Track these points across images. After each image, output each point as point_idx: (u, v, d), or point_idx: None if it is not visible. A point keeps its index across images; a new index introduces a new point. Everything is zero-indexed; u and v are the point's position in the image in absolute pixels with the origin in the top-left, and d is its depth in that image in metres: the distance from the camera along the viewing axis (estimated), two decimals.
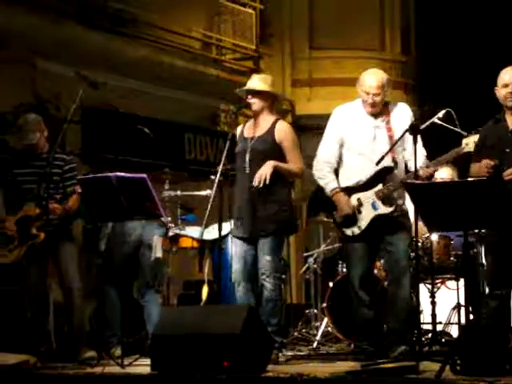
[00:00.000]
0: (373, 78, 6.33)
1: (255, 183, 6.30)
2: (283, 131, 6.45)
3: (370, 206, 6.32)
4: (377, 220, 6.31)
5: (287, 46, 13.08)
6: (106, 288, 7.20)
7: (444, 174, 7.29)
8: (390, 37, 13.34)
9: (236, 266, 6.46)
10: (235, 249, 6.49)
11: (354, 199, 6.36)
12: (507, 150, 5.69)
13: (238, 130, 6.63)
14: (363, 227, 6.33)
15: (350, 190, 6.38)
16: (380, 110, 6.38)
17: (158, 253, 7.20)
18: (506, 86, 5.76)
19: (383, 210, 6.30)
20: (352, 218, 6.34)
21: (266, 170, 6.28)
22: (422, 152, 6.24)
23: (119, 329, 6.95)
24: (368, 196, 6.33)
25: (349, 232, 6.38)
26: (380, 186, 6.31)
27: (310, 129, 11.67)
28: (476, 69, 11.29)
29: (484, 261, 6.06)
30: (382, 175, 6.31)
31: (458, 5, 12.48)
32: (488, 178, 5.58)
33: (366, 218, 6.32)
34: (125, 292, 7.35)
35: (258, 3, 12.34)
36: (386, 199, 6.31)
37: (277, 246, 6.41)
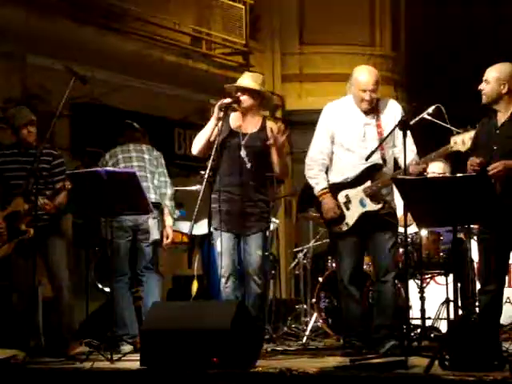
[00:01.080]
0: (369, 75, 6.32)
1: (246, 158, 6.37)
2: (275, 131, 6.48)
3: (357, 203, 6.33)
4: (365, 217, 6.32)
5: (277, 41, 13.06)
6: (114, 284, 7.12)
7: (436, 168, 7.30)
8: (380, 32, 13.34)
9: (225, 262, 6.46)
10: (223, 244, 6.48)
11: (342, 196, 6.37)
12: (495, 147, 5.71)
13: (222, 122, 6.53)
14: (351, 224, 6.34)
15: (338, 187, 6.39)
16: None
17: (155, 235, 7.20)
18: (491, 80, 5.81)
19: (371, 206, 6.31)
20: (340, 215, 6.35)
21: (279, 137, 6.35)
22: (412, 149, 6.25)
23: (132, 328, 6.94)
24: (356, 193, 6.34)
25: (337, 229, 6.40)
26: (368, 183, 6.32)
27: (300, 124, 11.66)
28: (465, 64, 11.31)
29: (476, 257, 6.06)
30: (370, 172, 6.32)
31: (448, 0, 12.50)
32: (474, 174, 5.60)
33: (353, 214, 6.33)
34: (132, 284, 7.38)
35: None
36: (374, 196, 6.32)
37: (266, 241, 6.51)
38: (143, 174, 7.15)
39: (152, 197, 7.15)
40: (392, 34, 13.45)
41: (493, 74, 5.81)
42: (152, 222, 7.20)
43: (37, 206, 6.41)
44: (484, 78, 5.86)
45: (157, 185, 7.33)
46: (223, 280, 6.47)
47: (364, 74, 6.34)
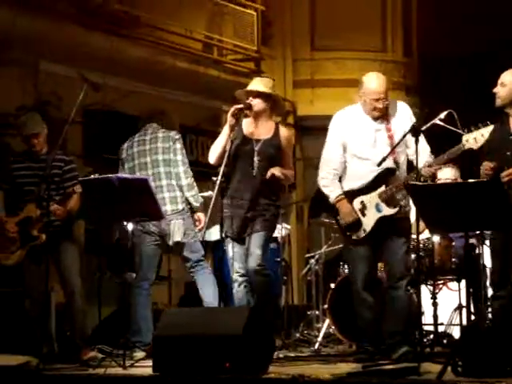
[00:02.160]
0: (380, 83, 6.30)
1: (268, 175, 6.39)
2: (288, 138, 6.60)
3: (373, 209, 6.32)
4: (381, 222, 6.31)
5: (289, 47, 13.07)
6: (133, 289, 7.12)
7: (448, 174, 7.29)
8: (391, 38, 13.32)
9: (237, 266, 6.48)
10: (235, 248, 6.51)
11: (357, 202, 6.36)
12: (508, 153, 5.70)
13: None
14: (368, 230, 6.32)
15: (353, 193, 6.38)
16: None
17: (177, 237, 7.11)
18: (503, 85, 5.80)
19: (387, 211, 6.30)
20: (357, 222, 6.34)
21: (277, 172, 6.39)
22: (426, 148, 6.24)
23: (146, 336, 6.87)
24: (371, 198, 6.32)
25: (354, 236, 6.38)
26: (383, 188, 6.31)
27: (311, 130, 11.68)
28: (477, 70, 11.29)
29: (488, 262, 6.05)
30: (384, 177, 6.31)
31: (460, 6, 12.48)
32: (487, 179, 5.59)
33: (370, 220, 6.32)
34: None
35: (259, 4, 12.33)
36: (389, 201, 6.30)
37: (266, 243, 6.52)
38: (158, 184, 7.12)
39: (168, 209, 7.11)
40: (404, 39, 13.43)
41: (509, 78, 5.80)
42: (178, 223, 7.11)
43: (49, 211, 6.43)
44: (500, 82, 5.85)
45: (172, 183, 7.29)
46: (235, 284, 6.49)
47: (374, 83, 6.32)
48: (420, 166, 5.99)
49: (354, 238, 6.38)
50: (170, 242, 7.14)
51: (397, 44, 13.33)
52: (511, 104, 5.82)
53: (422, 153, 6.05)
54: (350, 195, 6.38)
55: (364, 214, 6.34)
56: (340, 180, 6.45)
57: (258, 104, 6.49)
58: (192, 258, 7.21)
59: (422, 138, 6.15)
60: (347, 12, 12.72)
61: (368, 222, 6.32)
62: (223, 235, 6.47)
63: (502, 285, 5.71)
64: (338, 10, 12.78)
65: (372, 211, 6.32)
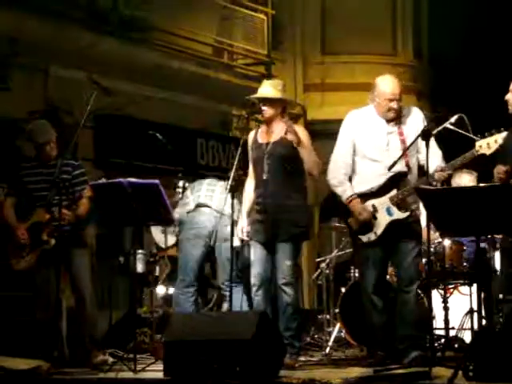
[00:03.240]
0: (394, 84, 6.31)
1: (266, 168, 6.36)
2: (303, 135, 6.45)
3: (384, 212, 6.30)
4: (392, 225, 6.29)
5: (299, 51, 13.08)
6: (179, 295, 7.12)
7: (466, 179, 7.27)
8: (402, 42, 13.32)
9: (257, 270, 6.47)
10: (255, 253, 6.50)
11: (368, 205, 6.34)
12: None
13: (251, 136, 6.63)
14: (379, 233, 6.30)
15: (363, 197, 6.36)
16: None
17: (236, 242, 6.85)
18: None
19: (398, 215, 6.28)
20: (368, 225, 6.33)
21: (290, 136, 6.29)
22: (438, 153, 6.22)
23: None
24: (382, 202, 6.31)
25: (365, 239, 6.36)
26: (394, 192, 6.29)
27: (322, 134, 11.62)
28: (489, 74, 11.26)
29: (498, 266, 6.02)
30: (395, 181, 6.29)
31: (470, 9, 12.45)
32: (500, 183, 5.56)
33: (381, 223, 6.30)
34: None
35: (269, 8, 12.33)
36: (400, 204, 6.29)
37: (296, 251, 6.45)
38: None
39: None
40: (414, 42, 13.42)
41: None
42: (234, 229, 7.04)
43: (59, 216, 6.44)
44: (510, 88, 5.82)
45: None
46: (254, 288, 6.48)
47: (389, 84, 6.32)
48: (431, 169, 5.98)
49: (364, 240, 6.36)
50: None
51: (407, 48, 13.32)
52: None
53: (433, 157, 6.05)
54: (361, 198, 6.36)
55: (375, 218, 6.32)
56: (349, 181, 6.44)
57: (267, 111, 6.48)
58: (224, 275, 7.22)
59: (433, 143, 6.14)
60: (357, 16, 12.72)
61: (379, 226, 6.30)
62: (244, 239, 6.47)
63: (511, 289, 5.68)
64: (348, 14, 12.79)
65: (383, 214, 6.30)
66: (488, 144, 5.81)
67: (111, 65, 9.66)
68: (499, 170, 5.68)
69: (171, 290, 8.15)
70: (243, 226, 6.53)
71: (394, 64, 12.97)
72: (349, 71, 12.86)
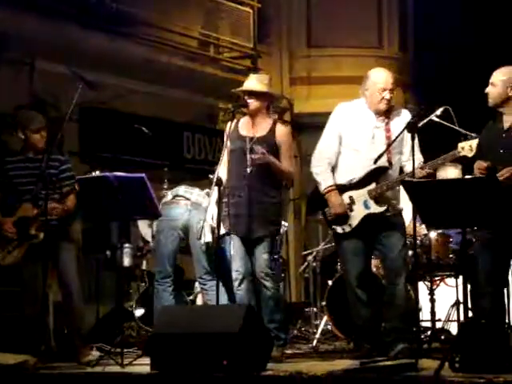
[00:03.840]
0: (387, 74, 6.36)
1: (249, 165, 6.34)
2: (284, 135, 6.51)
3: (361, 205, 6.33)
4: (369, 219, 6.31)
5: (285, 44, 13.04)
6: (157, 285, 7.22)
7: (451, 173, 7.29)
8: (387, 34, 13.30)
9: (237, 265, 6.48)
10: (235, 247, 6.51)
11: (346, 197, 6.37)
12: (501, 151, 5.69)
13: (230, 125, 6.55)
14: (354, 225, 6.33)
15: (343, 188, 6.39)
16: None
17: (208, 237, 7.03)
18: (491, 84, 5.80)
19: (375, 209, 6.31)
20: (343, 216, 6.35)
21: (263, 159, 6.32)
22: (418, 157, 6.23)
23: None
24: (361, 194, 6.34)
25: (339, 230, 6.39)
26: (373, 185, 6.32)
27: (308, 127, 11.65)
28: (473, 66, 11.28)
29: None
30: (375, 174, 6.32)
31: (456, 1, 12.48)
32: (484, 176, 5.58)
33: (357, 216, 6.33)
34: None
35: (255, 2, 12.32)
36: (378, 199, 6.31)
37: (273, 245, 6.49)
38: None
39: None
40: (400, 35, 13.42)
41: (499, 77, 5.80)
42: (204, 224, 6.97)
43: (46, 210, 6.43)
44: (490, 81, 5.85)
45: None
46: (236, 283, 6.49)
47: (382, 74, 6.37)
48: (415, 164, 6.01)
49: (339, 231, 6.38)
50: (202, 243, 7.13)
51: (393, 41, 13.31)
52: (503, 103, 5.80)
53: (414, 157, 6.09)
54: (340, 189, 6.39)
55: (352, 210, 6.35)
56: (332, 172, 6.45)
57: (252, 103, 6.48)
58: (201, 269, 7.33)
59: (417, 147, 6.18)
60: (343, 8, 12.70)
61: (354, 218, 6.33)
62: (224, 233, 6.48)
63: (492, 281, 5.68)
64: (334, 6, 12.76)
65: (359, 207, 6.33)
66: (470, 146, 5.85)
67: (98, 59, 9.62)
68: (480, 165, 5.67)
69: None
70: (213, 213, 6.51)
71: (380, 57, 12.95)
72: (335, 64, 12.84)
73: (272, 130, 6.48)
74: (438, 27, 12.61)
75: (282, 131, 6.53)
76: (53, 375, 5.91)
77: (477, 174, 5.69)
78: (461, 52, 12.40)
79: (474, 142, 5.81)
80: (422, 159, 6.29)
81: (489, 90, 5.83)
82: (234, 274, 6.50)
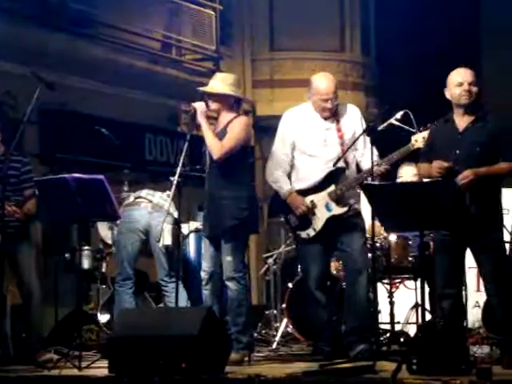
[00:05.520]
0: (328, 83, 6.35)
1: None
2: (235, 123, 6.34)
3: (323, 208, 6.36)
4: (331, 221, 6.34)
5: (248, 46, 13.07)
6: (117, 287, 7.21)
7: (409, 171, 7.31)
8: (349, 38, 13.38)
9: (204, 265, 6.46)
10: (204, 247, 6.50)
11: (307, 201, 6.38)
12: (457, 152, 5.72)
13: None
14: (318, 229, 6.35)
15: (302, 193, 6.41)
16: None
17: (167, 240, 7.05)
18: (460, 84, 5.78)
19: (337, 210, 6.34)
20: (307, 221, 6.37)
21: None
22: (374, 152, 6.27)
23: None
24: (321, 197, 6.36)
25: (304, 235, 6.41)
26: (332, 187, 6.35)
27: (271, 130, 11.61)
28: (437, 68, 11.36)
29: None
30: (333, 176, 6.35)
31: (417, 6, 12.57)
32: (442, 179, 5.60)
33: (320, 219, 6.35)
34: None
35: (217, 4, 12.32)
36: (339, 200, 6.34)
37: (236, 246, 6.31)
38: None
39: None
40: (362, 39, 13.49)
41: (474, 77, 5.77)
42: (166, 227, 6.96)
43: (5, 213, 6.37)
44: (469, 80, 5.70)
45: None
46: (203, 283, 6.46)
47: (323, 83, 6.36)
48: (368, 165, 6.05)
49: (303, 236, 6.40)
50: (160, 245, 7.15)
51: (355, 44, 13.39)
52: (472, 102, 5.78)
53: (369, 154, 6.11)
54: (300, 194, 6.40)
55: (314, 213, 6.37)
56: (289, 178, 6.46)
57: (212, 105, 6.44)
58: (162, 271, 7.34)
59: (368, 141, 6.21)
60: (306, 12, 12.75)
61: (318, 221, 6.35)
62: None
63: (450, 283, 5.72)
64: (296, 10, 12.80)
65: (322, 210, 6.35)
66: (424, 138, 5.88)
67: (58, 59, 9.57)
68: (441, 165, 5.66)
69: None
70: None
71: (342, 60, 13.04)
72: (297, 67, 12.89)
73: (227, 124, 6.38)
74: (400, 31, 12.69)
75: (235, 121, 6.36)
76: (9, 378, 5.84)
77: (434, 174, 5.69)
78: (421, 56, 12.50)
79: (427, 134, 5.85)
80: (377, 153, 6.28)
81: (470, 88, 5.73)
82: (202, 274, 6.47)
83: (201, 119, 6.28)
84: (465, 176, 5.57)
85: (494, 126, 5.77)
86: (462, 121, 5.78)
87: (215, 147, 6.25)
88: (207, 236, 6.44)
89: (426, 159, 5.84)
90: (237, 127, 6.32)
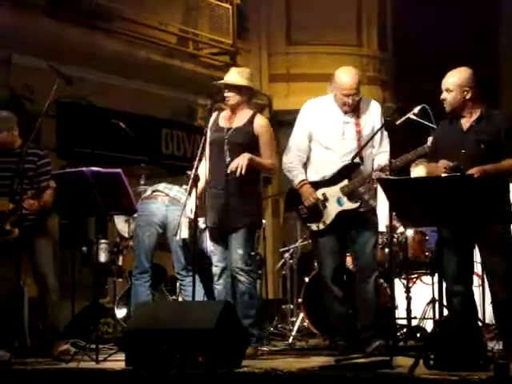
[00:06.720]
0: (351, 79, 6.32)
1: (229, 170, 6.27)
2: (263, 126, 6.45)
3: (335, 202, 6.34)
4: (343, 215, 6.32)
5: (264, 41, 13.07)
6: (134, 280, 7.22)
7: (421, 171, 7.29)
8: (367, 32, 13.35)
9: (216, 259, 6.46)
10: (213, 243, 6.48)
11: (319, 194, 6.38)
12: (463, 151, 5.67)
13: (212, 118, 6.54)
14: (328, 222, 6.34)
15: (315, 185, 6.40)
16: None
17: (184, 234, 6.94)
18: (441, 91, 5.79)
19: (348, 205, 6.32)
20: (317, 213, 6.36)
21: (242, 161, 6.24)
22: (386, 150, 6.25)
23: None
24: (333, 191, 6.35)
25: (314, 227, 6.40)
26: (345, 182, 6.33)
27: (287, 124, 11.60)
28: (453, 64, 11.32)
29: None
30: (347, 171, 6.33)
31: (434, 1, 12.53)
32: (461, 174, 5.56)
33: (331, 213, 6.34)
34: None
35: None
36: (351, 195, 6.33)
37: (248, 239, 6.37)
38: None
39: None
40: (379, 34, 13.46)
41: (454, 82, 5.74)
42: (183, 220, 6.86)
43: (22, 205, 6.39)
44: (444, 87, 5.74)
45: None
46: (215, 278, 6.47)
47: (346, 78, 6.33)
48: (383, 163, 6.04)
49: (313, 229, 6.39)
50: (178, 239, 7.00)
51: (372, 38, 13.36)
52: (462, 107, 5.74)
53: (380, 154, 6.09)
54: (313, 187, 6.39)
55: (325, 206, 6.36)
56: (305, 169, 6.45)
57: (232, 97, 6.45)
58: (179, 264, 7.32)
59: (386, 141, 6.21)
60: (323, 6, 12.73)
61: (328, 215, 6.34)
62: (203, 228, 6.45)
63: (459, 280, 5.69)
64: (313, 4, 12.79)
65: (333, 204, 6.34)
66: None
67: (75, 53, 9.59)
68: (446, 165, 5.58)
69: None
70: (192, 207, 6.43)
71: (359, 55, 13.02)
72: (314, 61, 12.87)
73: (250, 121, 6.43)
74: (417, 26, 12.64)
75: (261, 122, 6.47)
76: (26, 371, 5.86)
77: (439, 173, 5.63)
78: (440, 50, 12.44)
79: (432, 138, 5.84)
80: (388, 151, 6.23)
81: (444, 96, 5.73)
82: (214, 269, 6.48)
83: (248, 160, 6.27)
84: (472, 173, 5.52)
85: (499, 123, 5.70)
86: (466, 121, 5.74)
87: (270, 168, 6.45)
88: (217, 228, 6.43)
89: (432, 159, 5.81)
90: (267, 137, 6.43)
